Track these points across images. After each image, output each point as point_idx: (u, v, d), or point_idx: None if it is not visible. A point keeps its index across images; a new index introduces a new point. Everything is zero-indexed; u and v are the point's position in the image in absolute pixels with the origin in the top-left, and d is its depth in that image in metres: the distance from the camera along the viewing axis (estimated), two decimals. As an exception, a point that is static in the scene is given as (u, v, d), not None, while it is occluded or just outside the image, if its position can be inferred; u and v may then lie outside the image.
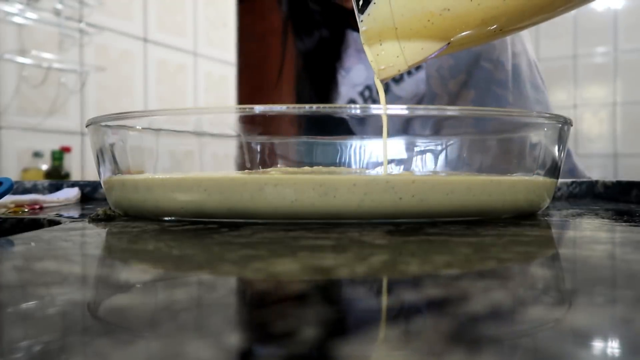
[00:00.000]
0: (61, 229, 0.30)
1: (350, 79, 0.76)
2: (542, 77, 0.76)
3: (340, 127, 0.41)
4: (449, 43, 0.33)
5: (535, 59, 0.75)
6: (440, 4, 0.31)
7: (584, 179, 0.60)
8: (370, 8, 0.33)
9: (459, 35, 0.33)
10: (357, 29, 0.85)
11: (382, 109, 0.32)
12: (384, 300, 0.14)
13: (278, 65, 0.79)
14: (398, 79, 0.71)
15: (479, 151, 0.38)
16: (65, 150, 1.55)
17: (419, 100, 0.70)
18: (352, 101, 0.75)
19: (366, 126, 0.48)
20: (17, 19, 1.47)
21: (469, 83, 0.69)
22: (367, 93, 0.74)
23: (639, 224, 0.31)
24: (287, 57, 0.78)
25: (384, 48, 0.34)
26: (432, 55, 0.34)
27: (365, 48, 0.35)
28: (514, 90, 0.70)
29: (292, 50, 0.78)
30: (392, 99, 0.70)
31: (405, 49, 0.34)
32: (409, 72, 0.69)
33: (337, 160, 0.43)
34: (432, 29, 0.32)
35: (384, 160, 0.36)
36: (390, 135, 0.40)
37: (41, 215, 0.37)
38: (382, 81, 0.35)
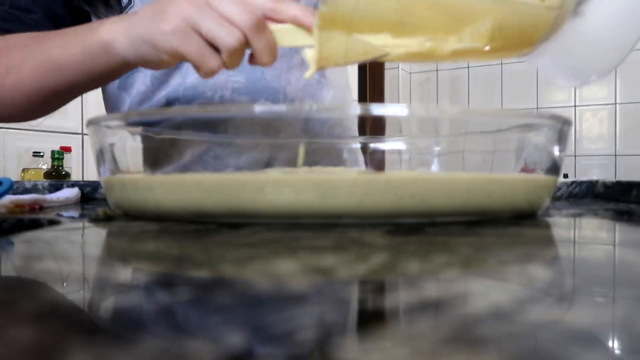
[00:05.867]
0: (61, 229, 0.30)
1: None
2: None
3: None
4: (387, 54, 0.36)
5: None
6: (398, 17, 0.33)
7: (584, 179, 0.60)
8: None
9: (397, 51, 0.36)
10: None
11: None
12: (384, 301, 0.14)
13: None
14: None
15: (479, 151, 0.38)
16: (65, 150, 1.55)
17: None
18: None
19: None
20: (17, 19, 1.47)
21: None
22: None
23: (639, 224, 0.31)
24: None
25: (332, 38, 0.35)
26: (369, 60, 0.37)
27: (315, 31, 0.35)
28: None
29: None
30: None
31: (350, 47, 0.35)
32: None
33: (337, 160, 0.43)
34: (381, 38, 0.35)
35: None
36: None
37: (41, 215, 0.37)
38: (318, 69, 0.37)
